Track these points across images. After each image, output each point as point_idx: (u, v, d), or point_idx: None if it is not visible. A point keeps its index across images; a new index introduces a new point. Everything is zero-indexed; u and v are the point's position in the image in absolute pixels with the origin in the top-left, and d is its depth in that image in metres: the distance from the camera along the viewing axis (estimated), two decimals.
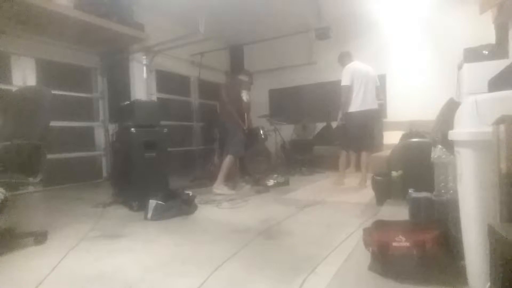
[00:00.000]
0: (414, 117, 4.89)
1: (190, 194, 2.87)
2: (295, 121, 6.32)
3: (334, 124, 5.45)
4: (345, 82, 3.51)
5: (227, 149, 3.79)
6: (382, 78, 5.73)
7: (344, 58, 3.77)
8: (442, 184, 1.71)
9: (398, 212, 2.08)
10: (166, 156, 3.24)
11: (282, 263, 1.66)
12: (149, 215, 2.59)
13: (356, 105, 3.48)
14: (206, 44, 5.62)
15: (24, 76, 4.10)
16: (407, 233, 1.39)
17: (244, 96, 3.95)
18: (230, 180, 3.92)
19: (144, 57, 5.12)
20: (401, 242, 1.35)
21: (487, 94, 1.13)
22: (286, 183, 4.11)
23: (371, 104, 3.52)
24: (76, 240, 2.10)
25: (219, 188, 3.62)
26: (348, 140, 3.64)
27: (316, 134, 6.14)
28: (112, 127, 4.79)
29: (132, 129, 3.00)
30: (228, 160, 3.70)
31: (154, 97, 5.31)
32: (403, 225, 1.53)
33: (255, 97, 7.11)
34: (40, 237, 2.06)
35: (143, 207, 2.70)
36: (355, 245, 1.79)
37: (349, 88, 3.49)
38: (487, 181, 0.97)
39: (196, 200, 2.93)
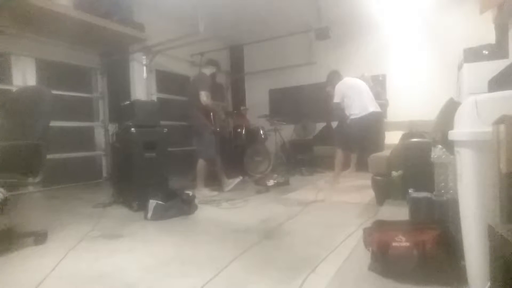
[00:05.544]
0: (414, 117, 4.89)
1: (190, 194, 2.87)
2: (295, 121, 6.32)
3: (334, 124, 5.48)
4: (336, 99, 3.70)
5: (198, 153, 3.71)
6: (382, 78, 5.77)
7: (333, 77, 3.91)
8: (442, 184, 1.71)
9: (398, 212, 2.08)
10: (166, 156, 3.24)
11: (282, 263, 1.66)
12: (149, 215, 2.59)
13: (356, 112, 3.59)
14: (206, 44, 5.61)
15: (24, 76, 4.09)
16: (407, 233, 1.38)
17: (203, 96, 3.47)
18: (215, 180, 3.87)
19: (144, 57, 5.12)
20: (401, 242, 1.35)
21: (487, 94, 1.12)
22: (286, 183, 4.11)
23: (372, 107, 3.59)
24: (76, 240, 2.10)
25: (200, 192, 3.48)
26: (346, 141, 3.75)
27: (316, 134, 6.14)
28: (112, 127, 4.79)
29: (132, 129, 3.00)
30: (199, 165, 3.64)
31: (154, 97, 5.31)
32: (403, 225, 1.52)
33: (255, 97, 7.18)
34: (40, 237, 2.06)
35: (143, 207, 2.71)
36: (355, 245, 1.78)
37: (339, 105, 3.69)
38: (487, 181, 0.97)
39: (196, 200, 2.93)
